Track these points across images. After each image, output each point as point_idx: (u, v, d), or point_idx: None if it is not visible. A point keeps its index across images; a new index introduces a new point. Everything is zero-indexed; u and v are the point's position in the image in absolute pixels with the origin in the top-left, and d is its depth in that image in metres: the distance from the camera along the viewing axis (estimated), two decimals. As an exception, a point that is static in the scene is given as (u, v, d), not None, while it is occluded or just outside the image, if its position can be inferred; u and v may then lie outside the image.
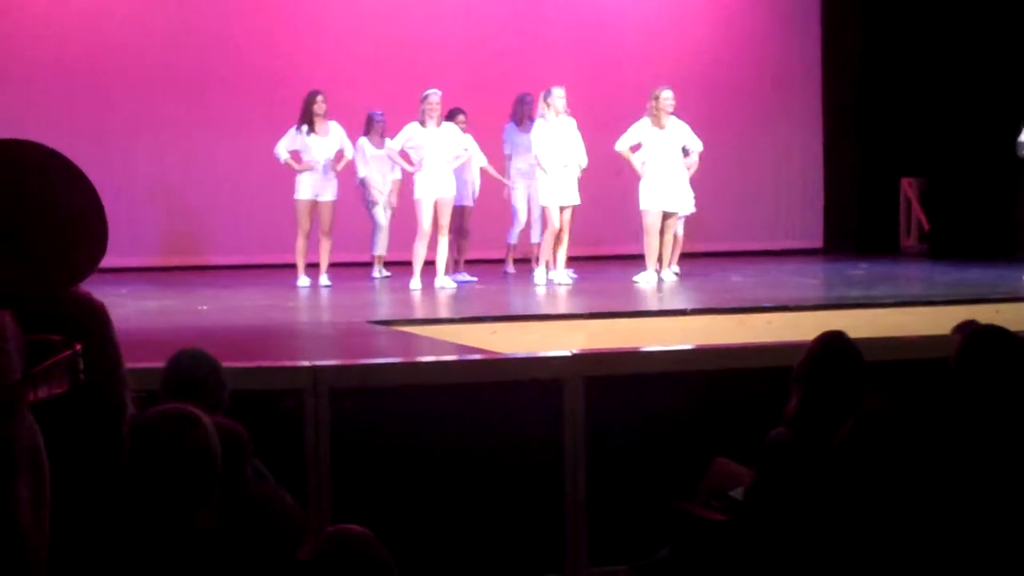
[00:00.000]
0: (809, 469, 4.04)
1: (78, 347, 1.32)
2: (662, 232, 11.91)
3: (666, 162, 11.81)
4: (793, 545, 3.82)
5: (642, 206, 11.88)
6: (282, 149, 11.80)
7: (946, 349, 4.18)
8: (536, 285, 11.55)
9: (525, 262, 12.51)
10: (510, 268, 12.67)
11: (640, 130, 11.91)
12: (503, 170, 12.57)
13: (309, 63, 13.81)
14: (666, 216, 11.88)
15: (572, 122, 11.88)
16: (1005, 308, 9.33)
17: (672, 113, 11.90)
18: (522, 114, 12.42)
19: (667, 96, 11.86)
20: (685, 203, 11.97)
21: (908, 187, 15.51)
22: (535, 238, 12.45)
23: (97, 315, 1.87)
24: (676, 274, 12.08)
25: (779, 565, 4.00)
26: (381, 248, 12.40)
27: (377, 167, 12.28)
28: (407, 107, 11.90)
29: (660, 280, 11.81)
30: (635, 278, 11.79)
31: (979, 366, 3.99)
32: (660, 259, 11.96)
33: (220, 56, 13.97)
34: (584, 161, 11.93)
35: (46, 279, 1.30)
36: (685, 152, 12.00)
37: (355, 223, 12.55)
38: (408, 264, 11.61)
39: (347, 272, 12.32)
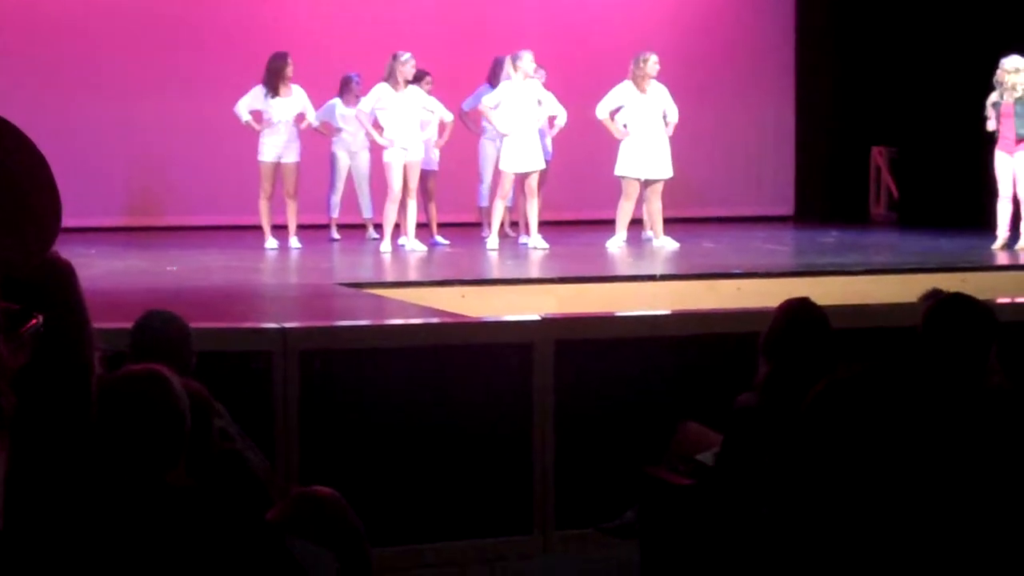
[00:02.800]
0: (776, 435, 4.06)
1: (40, 317, 1.30)
2: (648, 199, 11.85)
3: (648, 127, 11.72)
4: (759, 510, 3.84)
5: (621, 172, 11.82)
6: (243, 109, 11.74)
7: (913, 317, 4.21)
8: (490, 250, 11.50)
9: (513, 224, 12.49)
10: (484, 232, 12.59)
11: (621, 94, 11.84)
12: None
13: (279, 23, 13.71)
14: (648, 183, 11.83)
15: (537, 84, 11.81)
16: (971, 277, 9.38)
17: (654, 77, 11.84)
18: (498, 77, 12.36)
19: (654, 61, 11.75)
20: (665, 168, 11.89)
21: (878, 155, 15.55)
22: (483, 202, 12.49)
23: (64, 274, 1.85)
24: (648, 239, 11.98)
25: (745, 529, 4.03)
26: (367, 211, 12.50)
27: (348, 127, 12.28)
28: (380, 69, 11.85)
29: (652, 247, 11.73)
30: (607, 243, 11.76)
31: (945, 333, 4.02)
32: (652, 227, 11.91)
33: (188, 15, 13.84)
34: (562, 118, 11.87)
35: (18, 251, 1.28)
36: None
37: (326, 186, 12.52)
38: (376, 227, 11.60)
39: (316, 234, 12.29)
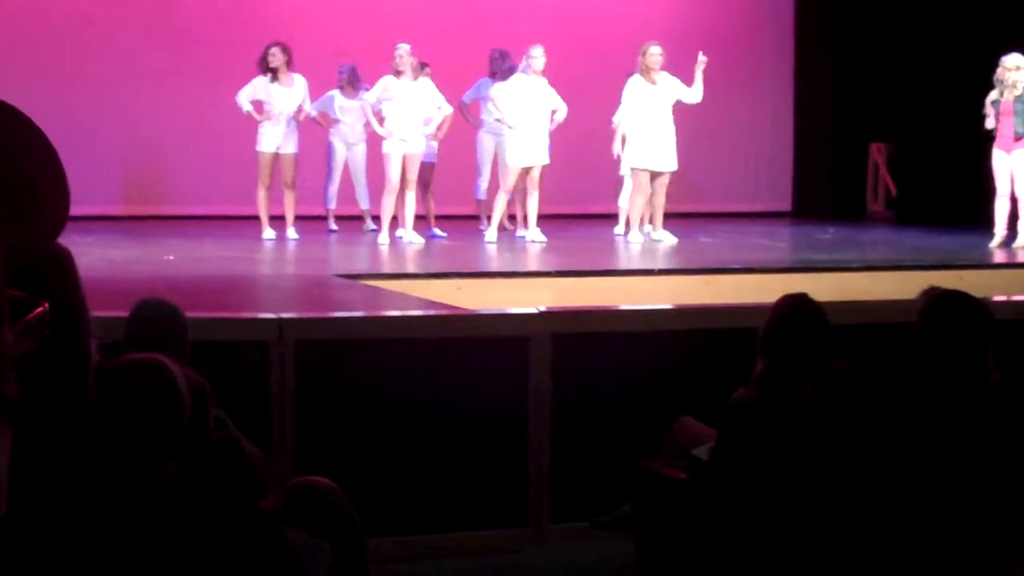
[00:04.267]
0: (772, 430, 4.06)
1: (46, 305, 1.29)
2: (654, 193, 11.82)
3: (656, 119, 11.65)
4: (754, 505, 3.84)
5: (633, 164, 11.77)
6: (244, 98, 11.73)
7: (911, 314, 4.21)
8: (488, 243, 11.50)
9: (511, 217, 12.48)
10: (482, 225, 12.57)
11: (632, 89, 11.79)
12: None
13: (278, 13, 13.70)
14: (655, 176, 11.77)
15: (543, 81, 11.82)
16: (969, 275, 9.38)
17: (663, 68, 11.77)
18: (498, 70, 12.35)
19: (654, 52, 11.69)
20: (672, 161, 11.80)
21: (877, 152, 15.56)
22: (481, 194, 12.48)
23: (63, 262, 1.85)
24: (648, 235, 11.96)
25: (740, 524, 4.03)
26: (364, 202, 12.49)
27: (347, 118, 12.28)
28: (379, 60, 11.84)
29: (652, 241, 11.71)
30: (628, 238, 11.70)
31: (942, 330, 4.02)
32: (652, 220, 11.90)
33: (187, 5, 13.84)
34: (563, 113, 11.87)
35: (28, 239, 1.28)
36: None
37: (324, 177, 12.52)
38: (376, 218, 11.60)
39: (314, 225, 12.29)
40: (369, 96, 11.69)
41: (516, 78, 11.75)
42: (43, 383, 1.81)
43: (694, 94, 11.79)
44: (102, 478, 2.72)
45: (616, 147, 12.07)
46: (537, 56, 11.67)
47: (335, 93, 12.33)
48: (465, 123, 12.47)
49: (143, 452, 2.85)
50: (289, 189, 11.82)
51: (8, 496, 1.37)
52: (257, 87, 11.74)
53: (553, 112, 11.93)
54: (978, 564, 3.10)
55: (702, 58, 11.73)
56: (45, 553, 2.65)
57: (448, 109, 11.83)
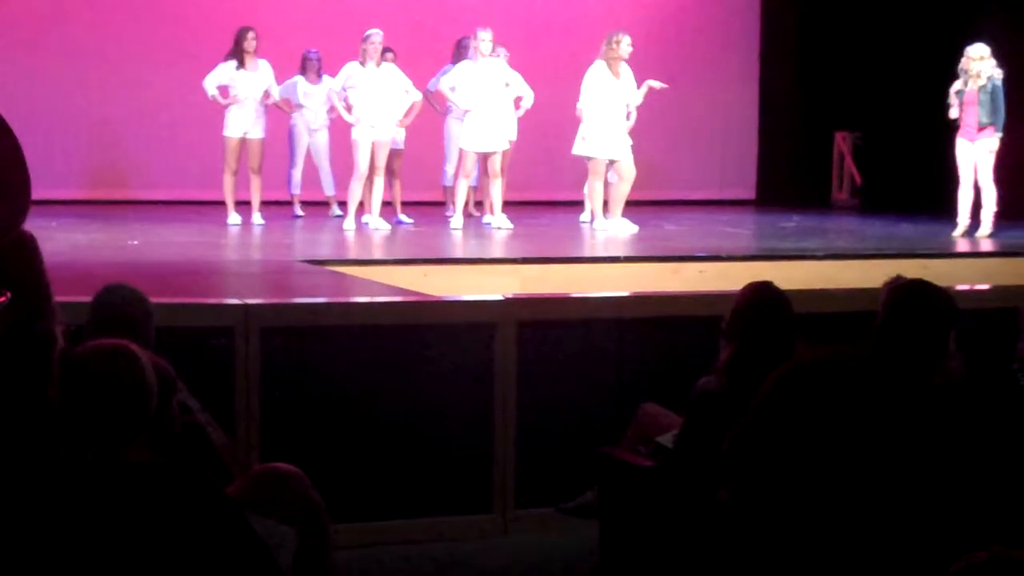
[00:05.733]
0: (736, 419, 4.08)
1: (8, 294, 1.29)
2: (613, 182, 11.76)
3: (615, 109, 11.62)
4: (717, 493, 3.86)
5: (586, 152, 11.75)
6: (210, 83, 11.67)
7: (875, 302, 4.23)
8: (454, 229, 11.48)
9: (478, 204, 12.47)
10: (449, 211, 12.51)
11: (594, 77, 11.70)
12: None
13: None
14: (611, 163, 11.75)
15: (502, 64, 11.77)
16: (933, 263, 9.45)
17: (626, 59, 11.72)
18: (461, 57, 12.33)
19: (627, 42, 11.56)
20: (625, 150, 11.82)
21: (842, 141, 15.63)
22: (448, 181, 12.47)
23: (26, 247, 1.83)
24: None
25: (704, 512, 4.05)
26: (329, 188, 12.49)
27: (311, 104, 12.27)
28: (344, 47, 11.81)
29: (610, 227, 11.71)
30: (595, 226, 11.68)
31: (905, 319, 4.05)
32: (607, 207, 11.86)
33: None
34: (529, 99, 11.84)
35: None
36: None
37: (288, 161, 12.49)
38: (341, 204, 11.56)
39: (280, 211, 12.25)
40: (335, 84, 11.66)
41: (463, 64, 11.71)
42: (6, 368, 1.80)
43: (634, 98, 11.75)
44: (66, 465, 2.71)
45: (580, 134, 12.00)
46: (484, 39, 11.61)
47: (299, 79, 12.32)
48: (431, 110, 12.45)
49: (108, 439, 2.84)
50: (255, 174, 11.78)
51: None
52: (223, 72, 11.68)
53: (519, 99, 11.91)
54: (941, 551, 3.12)
55: (662, 85, 11.71)
56: (6, 540, 2.64)
57: (416, 95, 11.79)
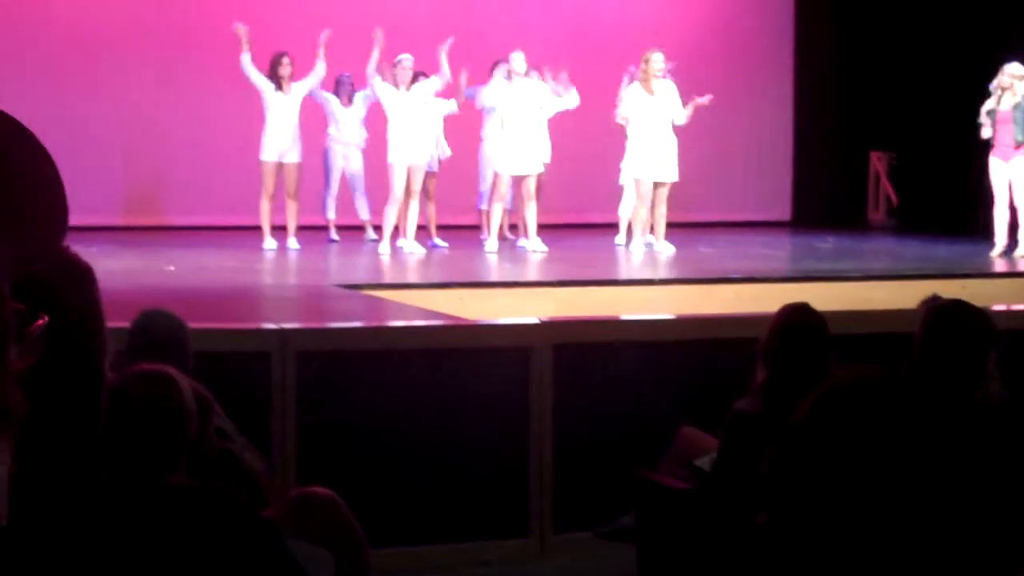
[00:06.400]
0: (774, 441, 4.06)
1: (47, 317, 1.28)
2: (655, 204, 11.78)
3: (656, 128, 11.62)
4: (756, 516, 3.84)
5: (634, 175, 11.72)
6: (247, 61, 11.68)
7: (912, 323, 4.20)
8: (488, 253, 11.50)
9: (512, 227, 12.49)
10: (483, 235, 12.52)
11: (631, 98, 11.76)
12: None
13: (277, 23, 13.71)
14: (657, 186, 11.73)
15: (538, 84, 11.80)
16: (971, 283, 9.39)
17: (664, 77, 11.74)
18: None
19: (657, 59, 11.64)
20: (672, 171, 11.76)
21: (877, 161, 15.56)
22: (483, 204, 12.49)
23: (80, 277, 1.81)
24: (651, 246, 11.92)
25: (742, 535, 4.03)
26: (364, 213, 12.51)
27: (344, 128, 12.31)
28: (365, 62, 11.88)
29: (653, 252, 11.69)
30: (629, 247, 11.68)
31: (943, 340, 4.02)
32: (654, 231, 11.86)
33: (186, 14, 13.85)
34: (573, 100, 11.86)
35: (26, 249, 1.27)
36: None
37: (323, 187, 12.53)
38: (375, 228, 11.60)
39: (315, 235, 12.30)
40: (376, 84, 11.62)
41: (501, 84, 11.75)
42: (54, 401, 1.79)
43: (679, 117, 11.75)
44: (106, 490, 2.72)
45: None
46: (517, 60, 11.66)
47: (333, 98, 12.32)
48: (467, 134, 12.48)
49: (149, 465, 2.85)
50: (292, 199, 11.83)
51: (10, 507, 1.36)
52: (263, 87, 11.73)
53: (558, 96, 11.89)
54: (981, 573, 3.10)
55: (708, 98, 11.73)
56: (47, 566, 2.65)
57: (453, 106, 11.87)
